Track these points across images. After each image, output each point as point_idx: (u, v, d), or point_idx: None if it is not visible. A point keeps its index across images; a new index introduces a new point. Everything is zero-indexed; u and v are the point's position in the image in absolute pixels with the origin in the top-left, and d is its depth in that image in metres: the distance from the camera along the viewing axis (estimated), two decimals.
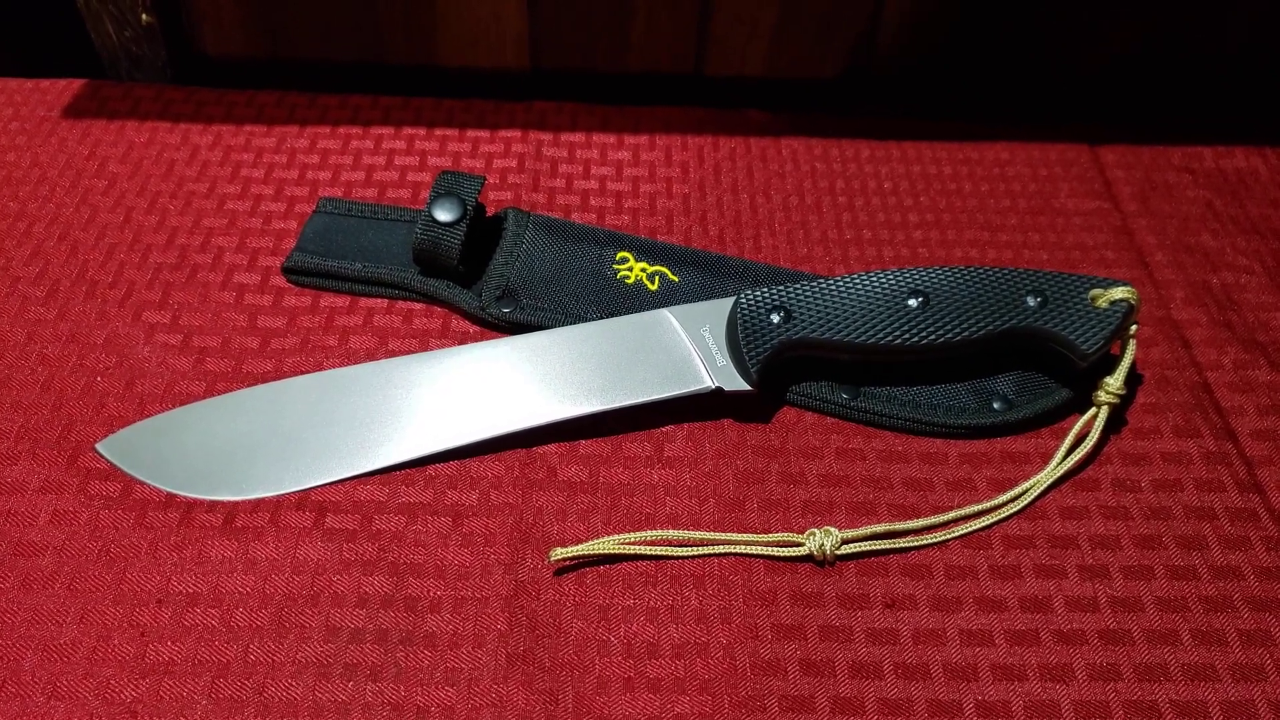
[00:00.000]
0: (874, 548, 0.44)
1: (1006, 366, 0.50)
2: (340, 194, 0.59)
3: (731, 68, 0.68)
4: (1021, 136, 0.64)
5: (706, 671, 0.40)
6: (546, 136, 0.63)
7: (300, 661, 0.39)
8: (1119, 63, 0.67)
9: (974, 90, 0.69)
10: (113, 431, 0.46)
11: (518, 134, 0.63)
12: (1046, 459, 0.48)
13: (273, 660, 0.39)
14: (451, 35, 0.66)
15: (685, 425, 0.48)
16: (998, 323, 0.47)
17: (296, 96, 0.65)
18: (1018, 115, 0.67)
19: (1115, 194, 0.61)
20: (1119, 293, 0.47)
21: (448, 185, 0.52)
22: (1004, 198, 0.61)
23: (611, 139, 0.63)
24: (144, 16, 0.66)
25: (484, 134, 0.63)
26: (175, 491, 0.44)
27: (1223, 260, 0.58)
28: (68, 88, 0.64)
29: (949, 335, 0.47)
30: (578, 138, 0.63)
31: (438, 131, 0.63)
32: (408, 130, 0.63)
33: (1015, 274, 0.48)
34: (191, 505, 0.44)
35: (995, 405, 0.49)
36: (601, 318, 0.50)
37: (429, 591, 0.42)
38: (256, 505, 0.44)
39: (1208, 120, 0.67)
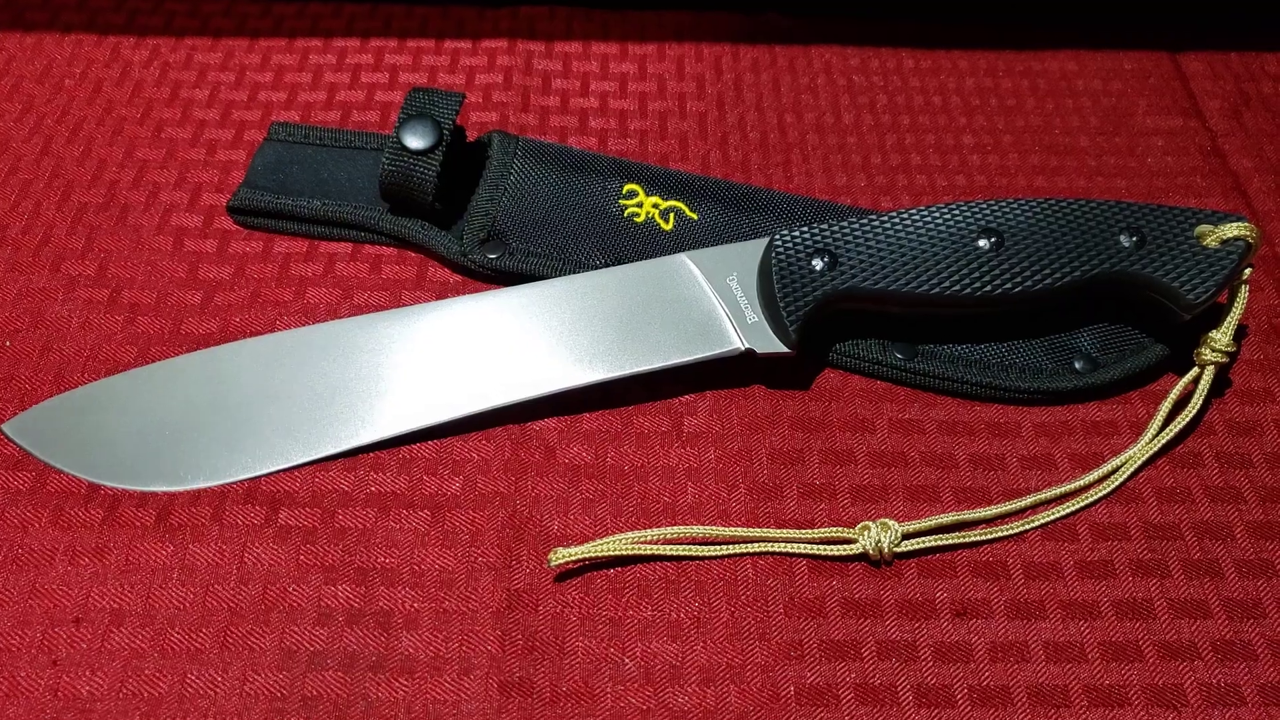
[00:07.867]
0: (939, 543, 0.39)
1: (1088, 319, 0.45)
2: (297, 118, 0.54)
3: None
4: (1090, 43, 0.59)
5: (741, 701, 0.36)
6: (537, 46, 0.57)
7: (249, 694, 0.35)
8: None
9: None
10: (23, 409, 0.42)
11: (503, 44, 0.58)
12: (1139, 429, 0.43)
13: (215, 693, 0.35)
14: None
15: (708, 394, 0.44)
16: (1086, 268, 0.41)
17: (247, 5, 0.60)
18: (1086, 19, 0.61)
19: (1202, 109, 0.56)
20: (1233, 229, 0.41)
21: (420, 105, 0.47)
22: (1072, 115, 0.56)
23: (614, 48, 0.58)
24: None
25: (464, 44, 0.58)
26: (99, 482, 0.40)
27: None
28: None
29: (1028, 283, 0.41)
30: (574, 47, 0.58)
31: (410, 43, 0.58)
32: (375, 42, 0.58)
33: (1105, 207, 0.43)
34: (118, 499, 0.40)
35: (1076, 365, 0.44)
36: (607, 264, 0.46)
37: (404, 604, 0.38)
38: (196, 498, 0.40)
39: None
